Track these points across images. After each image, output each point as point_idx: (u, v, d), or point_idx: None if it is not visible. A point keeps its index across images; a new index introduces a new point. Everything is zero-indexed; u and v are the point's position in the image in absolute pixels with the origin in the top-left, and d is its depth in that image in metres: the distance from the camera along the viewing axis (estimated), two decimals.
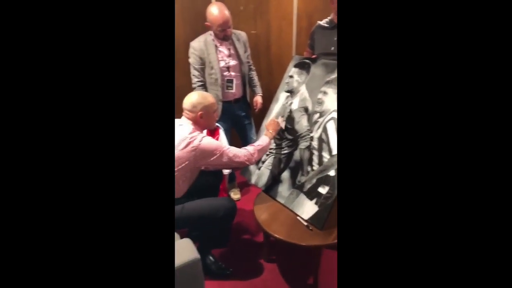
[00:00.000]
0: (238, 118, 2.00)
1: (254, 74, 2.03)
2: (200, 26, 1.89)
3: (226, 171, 1.90)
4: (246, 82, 1.96)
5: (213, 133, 1.81)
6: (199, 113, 1.38)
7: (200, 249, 1.12)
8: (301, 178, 1.48)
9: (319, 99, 1.51)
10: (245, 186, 2.28)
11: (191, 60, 1.82)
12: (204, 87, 1.86)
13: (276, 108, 1.72)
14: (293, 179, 1.51)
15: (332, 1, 1.65)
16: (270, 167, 1.63)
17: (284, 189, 1.53)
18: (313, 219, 1.36)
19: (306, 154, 1.49)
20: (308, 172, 1.46)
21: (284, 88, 1.71)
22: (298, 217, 1.40)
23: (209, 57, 1.78)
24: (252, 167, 1.70)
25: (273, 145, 1.63)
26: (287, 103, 1.66)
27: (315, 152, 1.46)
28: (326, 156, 1.41)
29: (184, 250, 1.06)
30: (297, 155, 1.53)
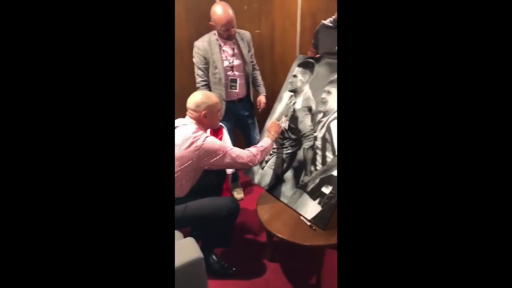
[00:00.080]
0: (242, 118, 2.00)
1: (257, 74, 2.02)
2: (204, 25, 1.89)
3: (229, 171, 1.91)
4: (250, 81, 1.96)
5: (216, 132, 1.82)
6: (203, 112, 1.38)
7: (203, 248, 1.13)
8: (305, 178, 1.48)
9: (322, 98, 1.51)
10: (248, 185, 2.29)
11: (195, 60, 1.83)
12: (208, 86, 1.86)
13: (279, 108, 1.71)
14: (296, 178, 1.51)
15: (336, 0, 1.64)
16: (274, 167, 1.63)
17: (287, 189, 1.52)
18: (316, 219, 1.35)
19: (310, 154, 1.49)
20: (311, 172, 1.46)
21: (288, 87, 1.71)
22: (301, 217, 1.40)
23: (213, 56, 1.78)
24: (256, 167, 1.70)
25: (276, 145, 1.63)
26: (290, 102, 1.66)
27: (319, 152, 1.45)
28: (329, 156, 1.41)
29: (187, 249, 1.07)
30: (300, 154, 1.53)
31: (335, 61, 1.53)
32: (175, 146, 1.31)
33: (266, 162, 1.66)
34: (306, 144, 1.51)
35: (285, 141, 1.62)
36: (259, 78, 2.04)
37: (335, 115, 1.43)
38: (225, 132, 1.84)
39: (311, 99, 1.56)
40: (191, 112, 1.40)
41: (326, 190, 1.37)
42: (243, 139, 2.10)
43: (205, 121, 1.41)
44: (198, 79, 1.85)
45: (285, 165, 1.58)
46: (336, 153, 1.38)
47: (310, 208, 1.39)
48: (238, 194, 2.16)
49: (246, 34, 1.90)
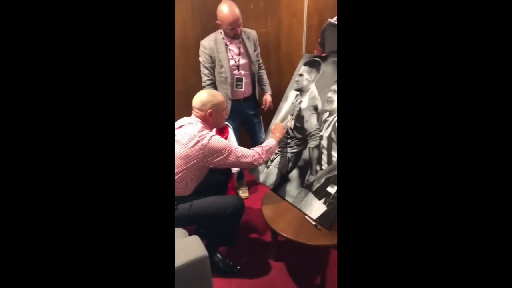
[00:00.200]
0: (247, 117, 2.00)
1: (263, 73, 2.02)
2: (210, 24, 1.90)
3: (234, 170, 1.91)
4: (256, 80, 1.96)
5: (222, 131, 1.82)
6: (208, 111, 1.39)
7: (208, 247, 1.13)
8: (310, 178, 1.47)
9: (329, 97, 1.50)
10: (253, 184, 2.29)
11: (201, 59, 1.83)
12: (214, 85, 1.87)
13: (285, 107, 1.71)
14: (301, 178, 1.51)
15: None
16: (279, 166, 1.62)
17: (292, 188, 1.52)
18: (321, 219, 1.35)
19: (315, 153, 1.48)
20: (317, 172, 1.45)
21: (294, 86, 1.70)
22: (306, 217, 1.40)
23: (219, 55, 1.78)
24: (261, 166, 1.70)
25: (282, 144, 1.63)
26: (296, 101, 1.65)
27: (324, 151, 1.45)
28: (335, 155, 1.40)
29: (192, 247, 1.07)
30: (306, 154, 1.52)
31: None
32: (181, 144, 1.32)
33: (272, 161, 1.66)
34: (312, 143, 1.51)
35: (290, 140, 1.61)
36: (265, 77, 2.03)
37: None
38: (230, 131, 1.84)
39: (317, 98, 1.55)
40: (197, 111, 1.40)
41: (332, 189, 1.36)
42: (248, 138, 2.10)
43: (211, 120, 1.41)
44: (204, 78, 1.86)
45: (290, 164, 1.58)
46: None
47: (315, 208, 1.39)
48: (243, 193, 2.16)
49: (252, 33, 1.90)
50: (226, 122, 1.77)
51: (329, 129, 1.45)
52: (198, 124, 1.37)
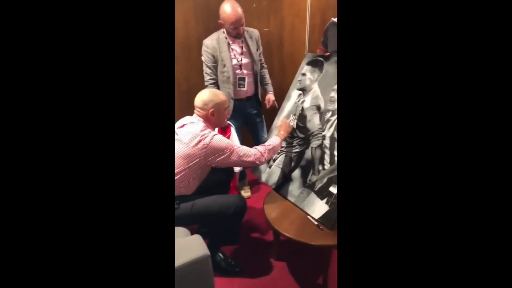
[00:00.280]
0: (250, 116, 2.00)
1: (266, 72, 2.02)
2: (213, 24, 1.90)
3: (237, 169, 1.91)
4: (258, 80, 1.96)
5: (224, 131, 1.82)
6: (210, 110, 1.39)
7: (210, 246, 1.13)
8: (312, 177, 1.47)
9: (331, 97, 1.49)
10: (255, 184, 2.29)
11: (203, 58, 1.83)
12: (216, 85, 1.87)
13: (288, 106, 1.71)
14: (304, 178, 1.50)
15: None
16: (281, 166, 1.62)
17: (294, 188, 1.52)
18: (323, 219, 1.34)
19: (318, 153, 1.48)
20: (319, 171, 1.45)
21: (297, 86, 1.70)
22: (308, 216, 1.39)
23: (221, 55, 1.78)
24: (263, 165, 1.69)
25: (284, 144, 1.62)
26: (299, 101, 1.65)
27: (327, 151, 1.44)
28: (337, 155, 1.40)
29: (194, 246, 1.08)
30: (308, 153, 1.52)
31: None
32: (183, 144, 1.32)
33: (274, 160, 1.66)
34: (314, 143, 1.50)
35: (293, 140, 1.61)
36: (267, 76, 2.03)
37: None
38: (233, 131, 1.84)
39: (319, 97, 1.55)
40: (199, 110, 1.41)
41: (334, 189, 1.36)
42: (251, 137, 2.09)
43: (213, 119, 1.41)
44: (207, 77, 1.86)
45: (292, 164, 1.58)
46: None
47: (318, 208, 1.38)
48: (246, 193, 2.16)
49: (255, 32, 1.89)
50: (228, 122, 1.77)
51: (332, 128, 1.45)
52: (200, 123, 1.37)
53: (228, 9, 1.68)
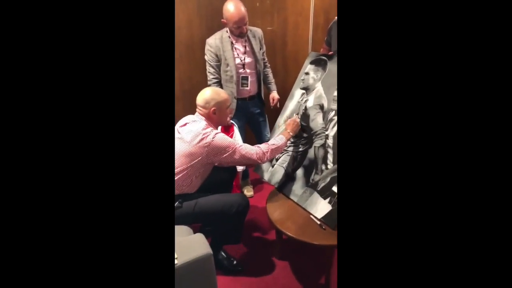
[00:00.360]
0: (253, 115, 2.00)
1: (269, 71, 2.02)
2: (216, 23, 1.90)
3: (240, 168, 1.91)
4: (261, 79, 1.95)
5: (227, 130, 1.82)
6: (212, 109, 1.39)
7: (212, 245, 1.14)
8: (315, 177, 1.46)
9: (334, 96, 1.49)
10: (258, 183, 2.29)
11: (207, 57, 1.83)
12: (219, 84, 1.87)
13: (291, 105, 1.70)
14: (306, 177, 1.50)
15: None
16: (284, 165, 1.62)
17: (297, 187, 1.52)
18: (326, 218, 1.34)
19: (321, 152, 1.47)
20: (322, 171, 1.44)
21: (300, 85, 1.69)
22: (311, 216, 1.39)
23: (224, 54, 1.78)
24: (266, 164, 1.69)
25: (287, 143, 1.62)
26: (302, 100, 1.64)
27: (330, 151, 1.44)
28: None
29: (197, 245, 1.08)
30: (311, 153, 1.52)
31: None
32: (185, 142, 1.32)
33: (277, 160, 1.66)
34: (317, 142, 1.50)
35: (296, 139, 1.61)
36: (270, 75, 2.03)
37: None
38: (236, 130, 1.84)
39: (323, 97, 1.54)
40: (200, 108, 1.41)
41: (337, 189, 1.35)
42: (254, 137, 2.09)
43: (214, 117, 1.41)
44: (210, 77, 1.86)
45: (295, 163, 1.57)
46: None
47: (320, 207, 1.38)
48: (248, 192, 2.16)
49: (258, 31, 1.89)
50: (231, 121, 1.77)
51: (335, 128, 1.44)
52: (202, 122, 1.38)
53: (232, 8, 1.68)
